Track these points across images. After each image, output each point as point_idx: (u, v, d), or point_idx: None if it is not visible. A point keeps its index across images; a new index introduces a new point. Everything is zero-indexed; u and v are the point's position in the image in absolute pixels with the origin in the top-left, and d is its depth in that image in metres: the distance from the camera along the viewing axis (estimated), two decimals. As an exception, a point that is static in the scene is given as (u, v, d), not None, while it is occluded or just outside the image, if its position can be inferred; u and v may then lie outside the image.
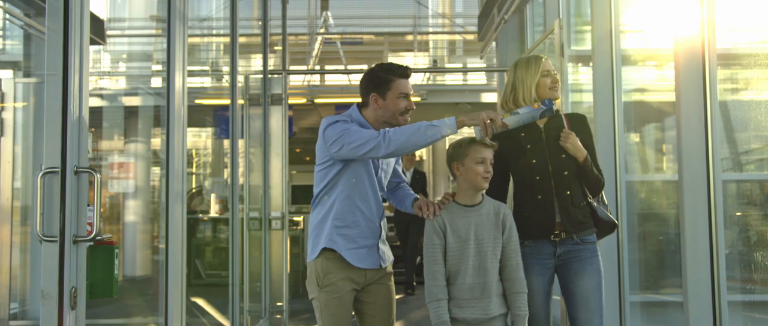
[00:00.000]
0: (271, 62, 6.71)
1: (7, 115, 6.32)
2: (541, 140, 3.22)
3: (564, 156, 3.17)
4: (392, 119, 3.10)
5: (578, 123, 3.28)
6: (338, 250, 3.10)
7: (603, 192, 3.34)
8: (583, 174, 3.18)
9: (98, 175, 2.36)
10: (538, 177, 3.16)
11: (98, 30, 7.25)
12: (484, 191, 3.11)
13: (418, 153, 18.44)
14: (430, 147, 15.92)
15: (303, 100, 11.63)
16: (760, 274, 4.37)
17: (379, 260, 3.21)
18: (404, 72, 3.10)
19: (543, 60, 3.26)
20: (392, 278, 3.31)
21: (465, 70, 14.48)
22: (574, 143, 3.15)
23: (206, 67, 11.14)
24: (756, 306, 4.32)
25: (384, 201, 3.38)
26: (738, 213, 4.62)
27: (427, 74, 12.99)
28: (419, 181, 9.35)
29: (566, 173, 3.16)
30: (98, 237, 2.37)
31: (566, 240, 3.16)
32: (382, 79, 3.09)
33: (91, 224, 2.40)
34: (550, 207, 3.15)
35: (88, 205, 2.40)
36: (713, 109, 3.36)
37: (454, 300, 3.01)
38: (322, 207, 3.16)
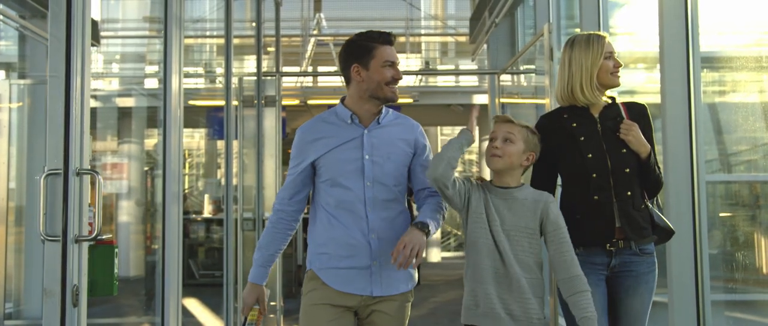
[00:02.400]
0: (265, 64, 6.77)
1: (2, 116, 6.36)
2: (597, 132, 2.79)
3: (625, 150, 2.75)
4: (378, 91, 2.67)
5: (638, 114, 2.85)
6: (317, 273, 2.67)
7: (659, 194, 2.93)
8: (645, 172, 2.77)
9: (99, 177, 2.43)
10: (594, 175, 2.73)
11: (93, 31, 7.29)
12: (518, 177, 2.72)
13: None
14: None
15: (296, 102, 11.70)
16: (744, 273, 4.46)
17: (370, 287, 2.63)
18: (387, 38, 2.70)
19: (603, 39, 2.82)
20: (407, 299, 2.74)
21: (457, 73, 14.57)
22: (637, 136, 2.73)
23: (200, 69, 11.18)
24: (738, 305, 4.40)
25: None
26: (725, 214, 4.69)
27: (420, 75, 13.07)
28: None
29: (628, 170, 2.74)
30: (99, 237, 2.44)
31: (623, 250, 2.74)
32: (364, 47, 2.69)
33: (91, 224, 2.46)
34: (608, 210, 2.72)
35: (89, 206, 2.46)
36: (697, 111, 3.44)
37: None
38: (311, 221, 2.77)
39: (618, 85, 2.84)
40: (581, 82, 2.78)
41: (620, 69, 2.83)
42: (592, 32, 2.88)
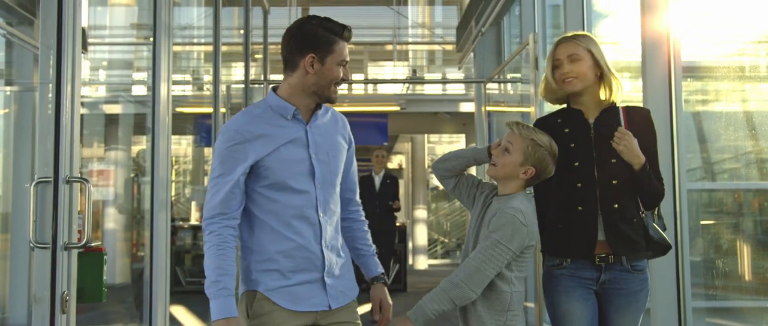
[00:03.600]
0: (253, 72, 6.80)
1: (-12, 123, 6.34)
2: (589, 138, 2.63)
3: (615, 160, 2.57)
4: (326, 90, 2.39)
5: (639, 119, 2.66)
6: (267, 294, 2.36)
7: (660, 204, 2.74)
8: (638, 184, 2.58)
9: (89, 185, 2.45)
10: (579, 184, 2.59)
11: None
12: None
13: (396, 159, 18.54)
14: (409, 152, 16.06)
15: (283, 109, 11.67)
16: (725, 281, 4.52)
17: (326, 300, 2.39)
18: (349, 34, 2.42)
19: (558, 45, 2.66)
20: (356, 304, 2.54)
21: (443, 82, 14.64)
22: (629, 146, 2.53)
23: (187, 76, 11.17)
24: (719, 311, 4.46)
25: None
26: (708, 222, 4.75)
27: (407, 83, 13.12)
28: (390, 187, 8.44)
29: (615, 182, 2.57)
30: (88, 244, 2.46)
31: (613, 266, 2.59)
32: (325, 38, 2.36)
33: (81, 231, 2.48)
34: (591, 222, 2.57)
35: (78, 213, 2.48)
36: (679, 120, 3.50)
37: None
38: (246, 234, 2.44)
39: (570, 92, 2.64)
40: (548, 88, 2.71)
41: (571, 77, 2.60)
42: (563, 35, 2.72)
